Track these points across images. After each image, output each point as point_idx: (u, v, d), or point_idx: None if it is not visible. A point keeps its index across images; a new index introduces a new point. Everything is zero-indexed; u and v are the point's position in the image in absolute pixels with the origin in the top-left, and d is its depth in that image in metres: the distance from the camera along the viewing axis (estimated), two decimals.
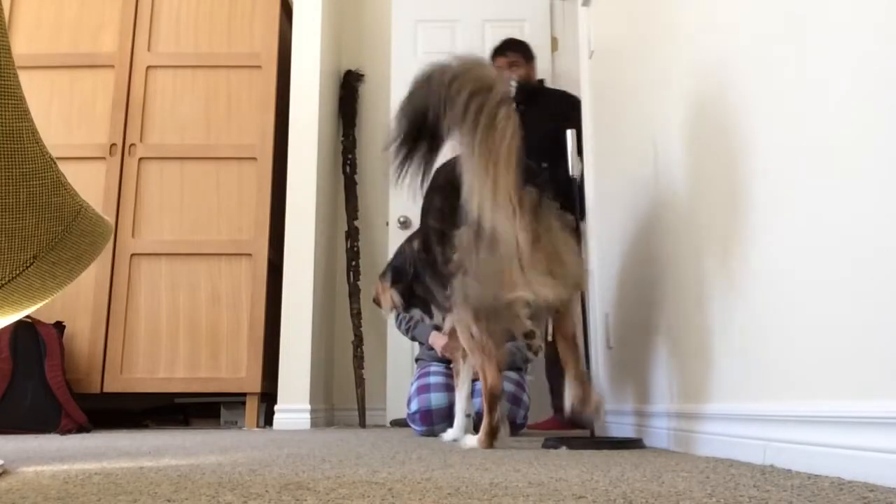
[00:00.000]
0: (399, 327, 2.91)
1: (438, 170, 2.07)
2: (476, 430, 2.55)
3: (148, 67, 3.51)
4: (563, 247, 1.85)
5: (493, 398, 1.88)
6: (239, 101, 3.50)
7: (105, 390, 3.16)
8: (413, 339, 2.91)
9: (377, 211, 4.04)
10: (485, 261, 1.79)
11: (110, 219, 1.57)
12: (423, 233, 2.13)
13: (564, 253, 1.84)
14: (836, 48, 1.11)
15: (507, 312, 1.81)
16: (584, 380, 1.93)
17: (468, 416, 2.30)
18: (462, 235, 1.84)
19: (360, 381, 3.69)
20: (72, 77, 3.49)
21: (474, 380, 2.66)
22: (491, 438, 1.86)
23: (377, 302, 2.58)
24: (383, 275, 2.52)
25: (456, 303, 1.91)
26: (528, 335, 1.86)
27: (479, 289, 1.82)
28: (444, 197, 1.96)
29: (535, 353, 2.05)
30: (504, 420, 1.91)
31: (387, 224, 3.90)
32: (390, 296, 2.45)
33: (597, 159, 2.90)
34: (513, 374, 2.62)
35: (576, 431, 2.74)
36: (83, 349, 3.19)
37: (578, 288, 1.94)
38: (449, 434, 2.29)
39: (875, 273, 1.00)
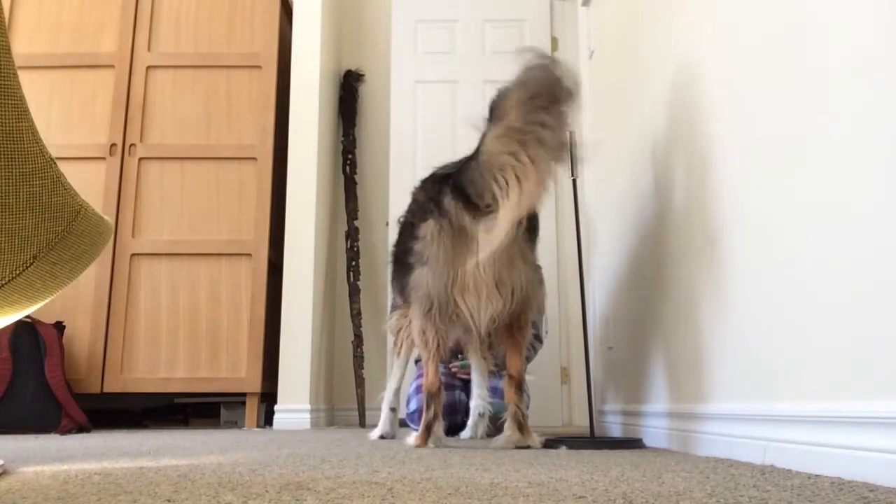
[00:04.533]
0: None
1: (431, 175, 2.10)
2: (497, 430, 2.56)
3: (148, 67, 3.51)
4: (518, 258, 1.83)
5: (428, 396, 1.88)
6: (239, 101, 3.50)
7: (105, 390, 3.16)
8: None
9: (377, 211, 4.05)
10: (444, 253, 1.79)
11: (110, 219, 1.58)
12: (399, 229, 2.12)
13: (517, 264, 1.83)
14: (835, 51, 1.11)
15: (454, 310, 1.82)
16: (518, 423, 1.90)
17: (481, 415, 2.31)
18: (427, 227, 1.84)
19: (360, 381, 3.69)
20: (72, 77, 3.49)
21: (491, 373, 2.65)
22: (425, 436, 1.85)
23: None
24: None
25: (409, 293, 1.91)
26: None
27: (432, 281, 1.82)
28: (419, 190, 1.98)
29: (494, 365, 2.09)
30: (441, 421, 1.89)
31: (387, 224, 3.90)
32: None
33: (597, 160, 2.90)
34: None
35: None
36: (83, 349, 3.19)
37: (525, 304, 1.89)
38: (466, 433, 2.30)
39: (874, 273, 1.00)
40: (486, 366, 2.19)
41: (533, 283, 1.88)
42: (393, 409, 2.29)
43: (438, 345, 1.87)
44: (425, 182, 1.98)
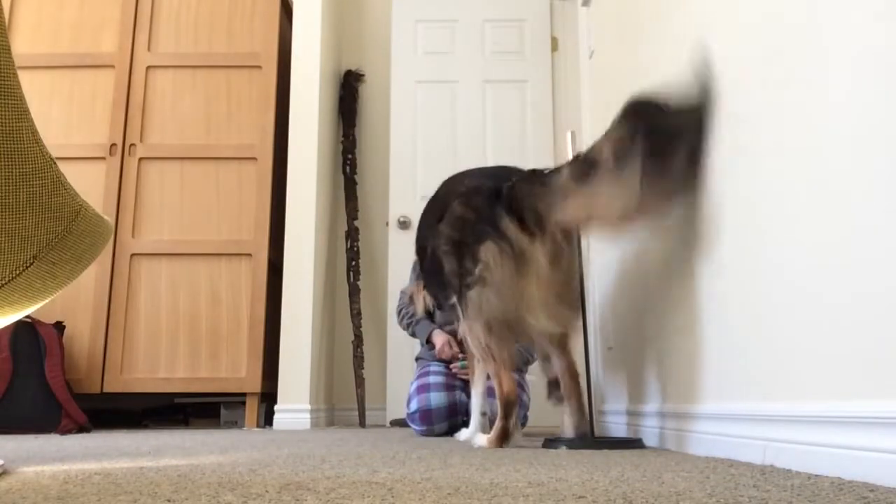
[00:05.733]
0: (400, 322, 2.92)
1: (455, 177, 2.08)
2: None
3: (148, 67, 3.51)
4: (575, 271, 1.92)
5: (508, 405, 1.91)
6: (239, 101, 3.50)
7: (105, 390, 3.16)
8: (413, 335, 2.91)
9: (377, 211, 4.05)
10: (509, 276, 1.83)
11: (110, 219, 1.57)
12: (436, 236, 2.08)
13: (575, 277, 1.93)
14: (840, 51, 1.11)
15: (518, 326, 1.90)
16: (584, 412, 1.99)
17: (483, 414, 2.30)
18: (488, 249, 1.85)
19: (360, 381, 3.69)
20: (72, 77, 3.49)
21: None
22: (501, 441, 1.90)
23: (413, 300, 2.69)
24: (419, 277, 2.61)
25: (469, 313, 1.93)
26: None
27: (497, 302, 1.86)
28: (465, 205, 1.95)
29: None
30: (518, 426, 1.95)
31: (387, 224, 3.90)
32: (423, 297, 2.53)
33: None
34: (513, 375, 2.62)
35: None
36: (83, 349, 3.19)
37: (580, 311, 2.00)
38: (464, 433, 2.29)
39: (874, 274, 1.00)
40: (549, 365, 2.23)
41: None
42: (483, 414, 2.29)
43: (507, 356, 1.93)
44: (470, 196, 1.95)
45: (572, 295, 1.93)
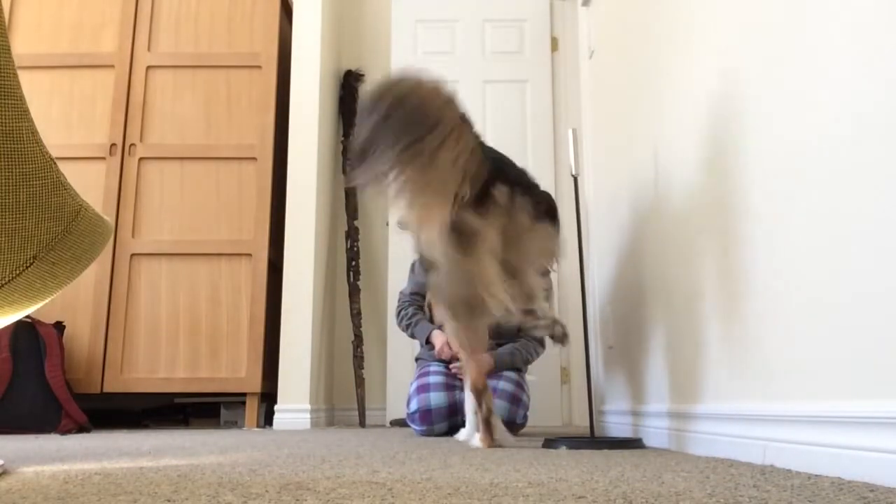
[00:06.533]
0: (399, 323, 2.92)
1: None
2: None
3: (148, 67, 3.51)
4: (533, 242, 1.86)
5: (476, 393, 1.91)
6: (239, 101, 3.50)
7: (105, 390, 3.16)
8: (412, 336, 2.91)
9: (377, 211, 4.05)
10: (456, 258, 1.78)
11: (110, 219, 1.58)
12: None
13: (532, 246, 1.86)
14: (839, 45, 1.11)
15: (480, 305, 1.83)
16: None
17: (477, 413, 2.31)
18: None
19: (360, 381, 3.69)
20: (72, 77, 3.49)
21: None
22: (489, 434, 1.89)
23: (430, 309, 2.72)
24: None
25: (437, 298, 1.93)
26: (557, 335, 1.92)
27: (452, 285, 1.83)
28: None
29: (562, 342, 2.01)
30: (495, 413, 1.94)
31: (387, 224, 3.90)
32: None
33: (596, 159, 2.90)
34: (512, 374, 2.62)
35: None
36: (83, 349, 3.19)
37: (545, 272, 1.98)
38: (462, 434, 2.29)
39: (874, 274, 1.00)
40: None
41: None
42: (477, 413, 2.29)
43: (468, 339, 1.89)
44: None
45: (533, 260, 1.88)
